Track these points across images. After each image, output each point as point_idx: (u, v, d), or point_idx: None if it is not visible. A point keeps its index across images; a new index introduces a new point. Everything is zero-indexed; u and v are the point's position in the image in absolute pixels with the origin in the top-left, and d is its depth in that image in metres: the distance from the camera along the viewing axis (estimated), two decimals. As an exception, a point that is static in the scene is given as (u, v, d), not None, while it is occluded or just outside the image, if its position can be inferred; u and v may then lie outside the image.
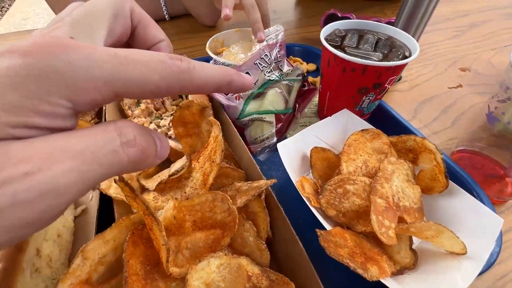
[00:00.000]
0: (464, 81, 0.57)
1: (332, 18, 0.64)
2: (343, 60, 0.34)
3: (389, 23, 0.52)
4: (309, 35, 0.71)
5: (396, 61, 0.33)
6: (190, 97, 0.38)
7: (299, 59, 0.58)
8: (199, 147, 0.33)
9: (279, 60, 0.44)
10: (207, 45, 0.51)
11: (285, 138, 0.36)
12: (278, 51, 0.44)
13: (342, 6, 0.84)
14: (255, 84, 0.41)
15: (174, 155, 0.34)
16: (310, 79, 0.54)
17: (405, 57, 0.35)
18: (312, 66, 0.58)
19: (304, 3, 0.89)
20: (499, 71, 0.60)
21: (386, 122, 0.40)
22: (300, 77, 0.43)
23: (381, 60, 0.34)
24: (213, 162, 0.27)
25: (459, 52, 0.66)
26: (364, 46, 0.36)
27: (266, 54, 0.42)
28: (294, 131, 0.43)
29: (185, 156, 0.31)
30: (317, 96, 0.47)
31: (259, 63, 0.41)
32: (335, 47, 0.37)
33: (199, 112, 0.32)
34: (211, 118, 0.29)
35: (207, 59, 0.47)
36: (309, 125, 0.36)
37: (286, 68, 0.46)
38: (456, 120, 0.49)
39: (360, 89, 0.36)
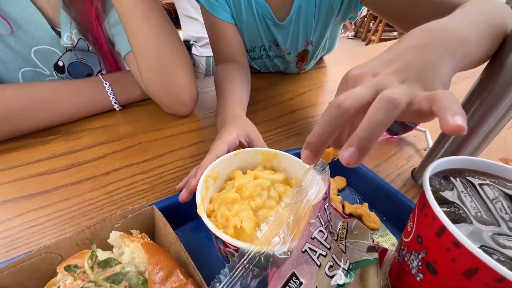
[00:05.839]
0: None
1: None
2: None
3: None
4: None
5: None
6: None
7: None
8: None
9: (329, 220, 0.26)
10: (199, 195, 0.28)
11: None
12: (327, 206, 0.26)
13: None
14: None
15: None
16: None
17: None
18: (341, 182, 0.41)
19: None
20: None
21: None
22: (376, 257, 0.25)
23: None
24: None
25: None
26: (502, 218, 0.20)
27: (320, 230, 0.23)
28: None
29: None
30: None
31: (310, 249, 0.22)
32: (451, 215, 0.20)
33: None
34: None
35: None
36: None
37: (338, 227, 0.28)
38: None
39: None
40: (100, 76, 0.54)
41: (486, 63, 0.32)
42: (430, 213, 0.20)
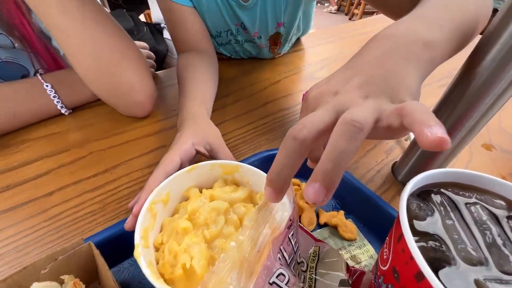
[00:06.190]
0: None
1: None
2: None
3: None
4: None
5: None
6: None
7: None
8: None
9: (295, 251, 0.22)
10: (139, 230, 0.23)
11: None
12: (291, 235, 0.22)
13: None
14: None
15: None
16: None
17: None
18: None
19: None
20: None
21: None
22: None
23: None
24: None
25: None
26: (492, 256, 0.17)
27: (281, 273, 0.19)
28: None
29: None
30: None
31: (267, 298, 0.18)
32: (432, 253, 0.16)
33: None
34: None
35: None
36: None
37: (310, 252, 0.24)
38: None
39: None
40: (38, 76, 0.46)
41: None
42: (407, 250, 0.17)
